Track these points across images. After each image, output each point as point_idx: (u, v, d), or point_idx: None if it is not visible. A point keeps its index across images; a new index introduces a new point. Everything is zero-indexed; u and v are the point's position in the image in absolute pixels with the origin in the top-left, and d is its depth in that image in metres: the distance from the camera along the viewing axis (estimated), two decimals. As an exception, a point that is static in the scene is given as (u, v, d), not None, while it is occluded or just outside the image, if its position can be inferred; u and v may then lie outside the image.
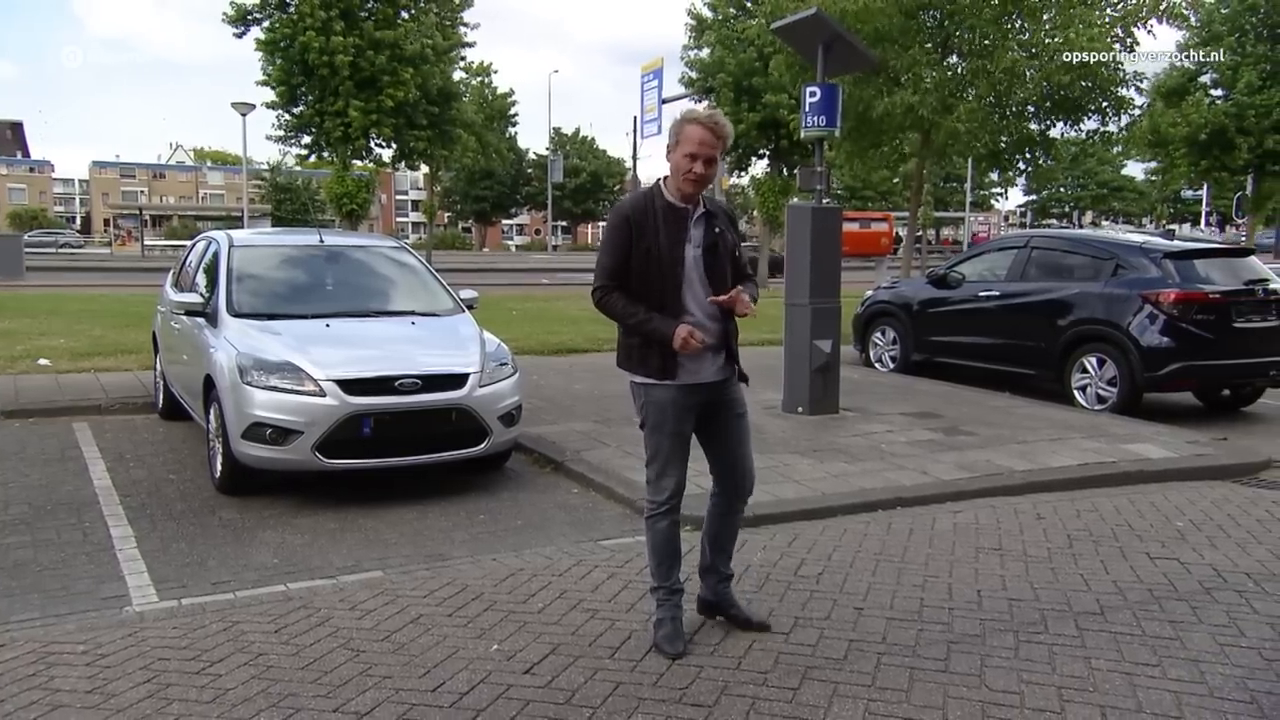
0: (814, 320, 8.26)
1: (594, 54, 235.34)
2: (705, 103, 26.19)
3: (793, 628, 3.88)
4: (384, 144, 26.97)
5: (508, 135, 48.04)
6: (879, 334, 11.71)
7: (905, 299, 11.40)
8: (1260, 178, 37.38)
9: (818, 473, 6.44)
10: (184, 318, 7.03)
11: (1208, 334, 8.58)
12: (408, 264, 7.77)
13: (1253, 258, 9.55)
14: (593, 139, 76.18)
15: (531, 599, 4.19)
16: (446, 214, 76.81)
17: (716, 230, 3.52)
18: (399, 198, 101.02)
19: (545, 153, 68.02)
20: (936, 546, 4.99)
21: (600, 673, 3.46)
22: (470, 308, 7.38)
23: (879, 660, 3.56)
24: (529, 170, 73.18)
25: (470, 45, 28.44)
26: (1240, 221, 41.21)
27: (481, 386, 6.19)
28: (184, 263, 8.44)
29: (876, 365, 11.62)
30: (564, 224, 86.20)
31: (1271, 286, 8.95)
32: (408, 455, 5.97)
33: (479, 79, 39.05)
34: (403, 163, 29.17)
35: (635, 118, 31.60)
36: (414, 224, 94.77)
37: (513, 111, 45.53)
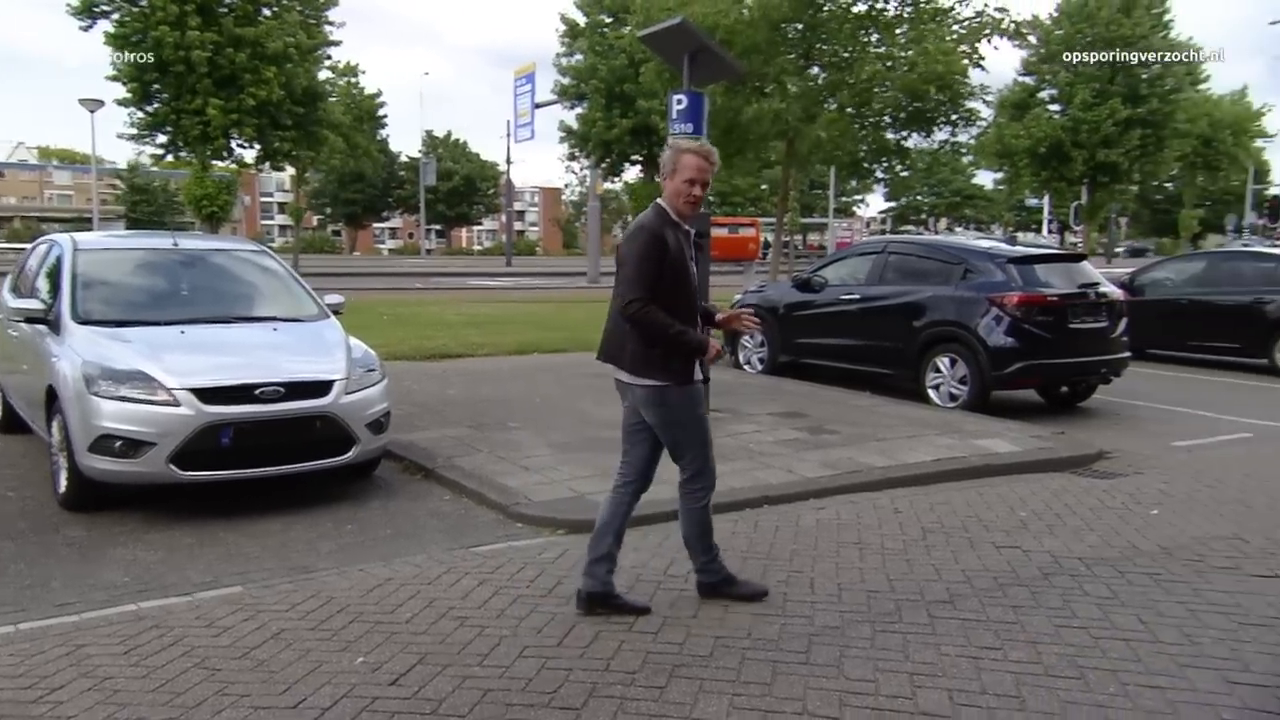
0: (688, 323, 8.34)
1: (468, 56, 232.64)
2: (578, 109, 26.29)
3: (661, 627, 3.92)
4: (246, 144, 25.92)
5: (378, 137, 46.90)
6: (747, 337, 11.95)
7: (772, 302, 11.67)
8: (1094, 188, 39.96)
9: (688, 473, 6.51)
10: (23, 325, 6.58)
11: (1047, 334, 9.09)
12: (269, 268, 7.48)
13: (1085, 262, 10.18)
14: (465, 142, 75.24)
15: (399, 609, 4.10)
16: (315, 217, 74.39)
17: (700, 248, 4.13)
18: (264, 200, 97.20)
19: (418, 155, 66.73)
20: (801, 543, 5.13)
21: (468, 680, 3.42)
22: (336, 313, 7.16)
23: (744, 656, 3.64)
24: (401, 173, 71.63)
25: (336, 44, 27.68)
26: (1078, 229, 43.97)
27: (348, 393, 6.01)
28: (23, 266, 7.90)
29: (745, 367, 11.86)
30: (438, 228, 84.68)
31: (1102, 290, 9.56)
32: (271, 465, 5.74)
33: (346, 79, 38.01)
34: (267, 164, 28.11)
35: (509, 121, 31.43)
36: (281, 227, 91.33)
37: (382, 113, 44.53)
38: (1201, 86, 43.49)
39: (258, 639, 3.75)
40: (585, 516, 5.54)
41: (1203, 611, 4.10)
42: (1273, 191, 51.91)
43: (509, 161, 53.86)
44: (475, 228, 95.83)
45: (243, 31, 23.59)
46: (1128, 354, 9.88)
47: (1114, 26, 37.10)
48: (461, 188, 72.55)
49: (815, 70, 15.08)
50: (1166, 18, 38.43)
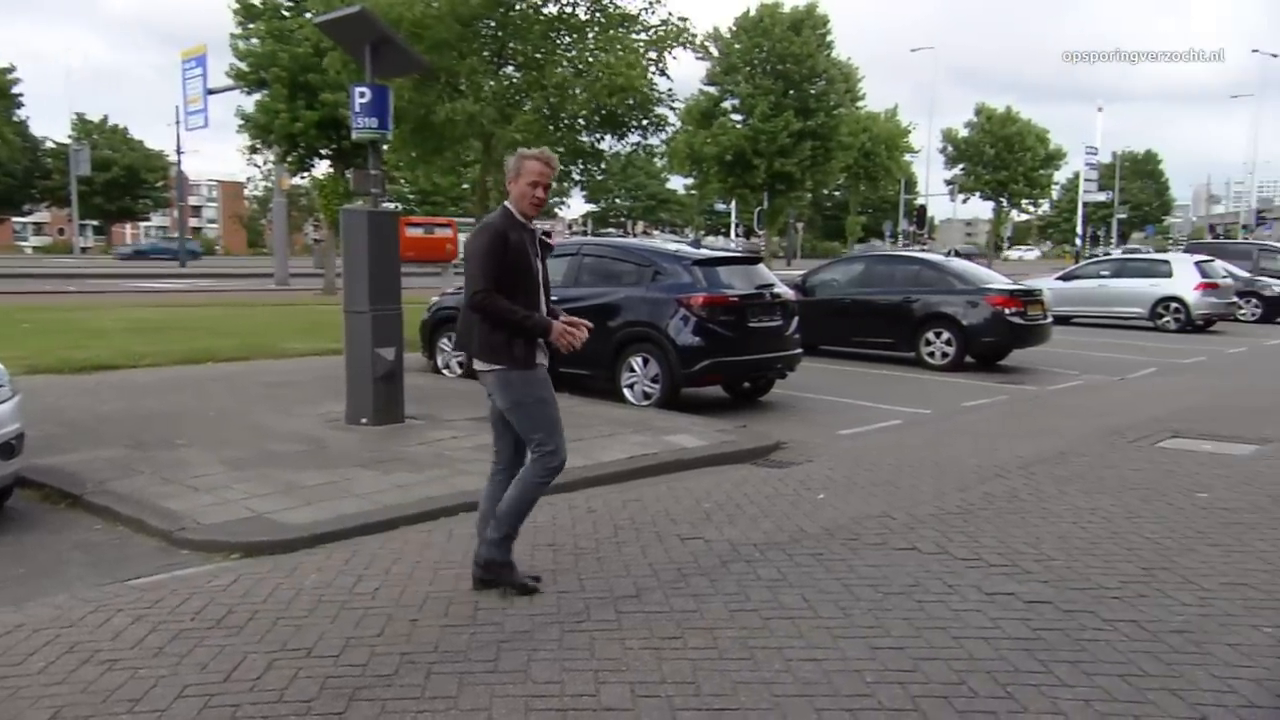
0: (375, 328, 8.11)
1: (129, 31, 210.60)
2: (257, 97, 24.62)
3: (343, 649, 3.77)
4: None
5: (12, 118, 41.30)
6: (446, 339, 11.81)
7: (469, 305, 11.60)
8: (773, 195, 43.50)
9: (381, 484, 6.33)
10: None
11: (730, 333, 9.76)
12: None
13: (761, 265, 11.05)
14: (126, 128, 68.16)
15: (30, 658, 3.63)
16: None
17: (548, 249, 4.61)
18: None
19: (67, 141, 59.52)
20: (495, 548, 5.13)
21: (116, 734, 3.09)
22: (-48, 321, 6.21)
23: (430, 670, 3.58)
24: (47, 161, 63.58)
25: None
26: (760, 233, 47.71)
27: (-34, 415, 5.24)
28: None
29: (445, 371, 11.71)
30: (95, 223, 76.07)
31: (776, 290, 10.41)
32: None
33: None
34: None
35: (178, 107, 28.89)
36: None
37: (16, 90, 39.25)
38: (860, 104, 48.63)
39: None
40: (263, 538, 5.22)
41: (855, 585, 4.57)
42: (920, 201, 59.18)
43: (180, 151, 49.60)
44: (142, 224, 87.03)
45: None
46: (800, 350, 10.83)
47: (785, 44, 40.63)
48: (123, 179, 65.61)
49: (510, 69, 15.19)
50: (829, 38, 42.62)
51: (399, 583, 4.56)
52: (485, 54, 14.76)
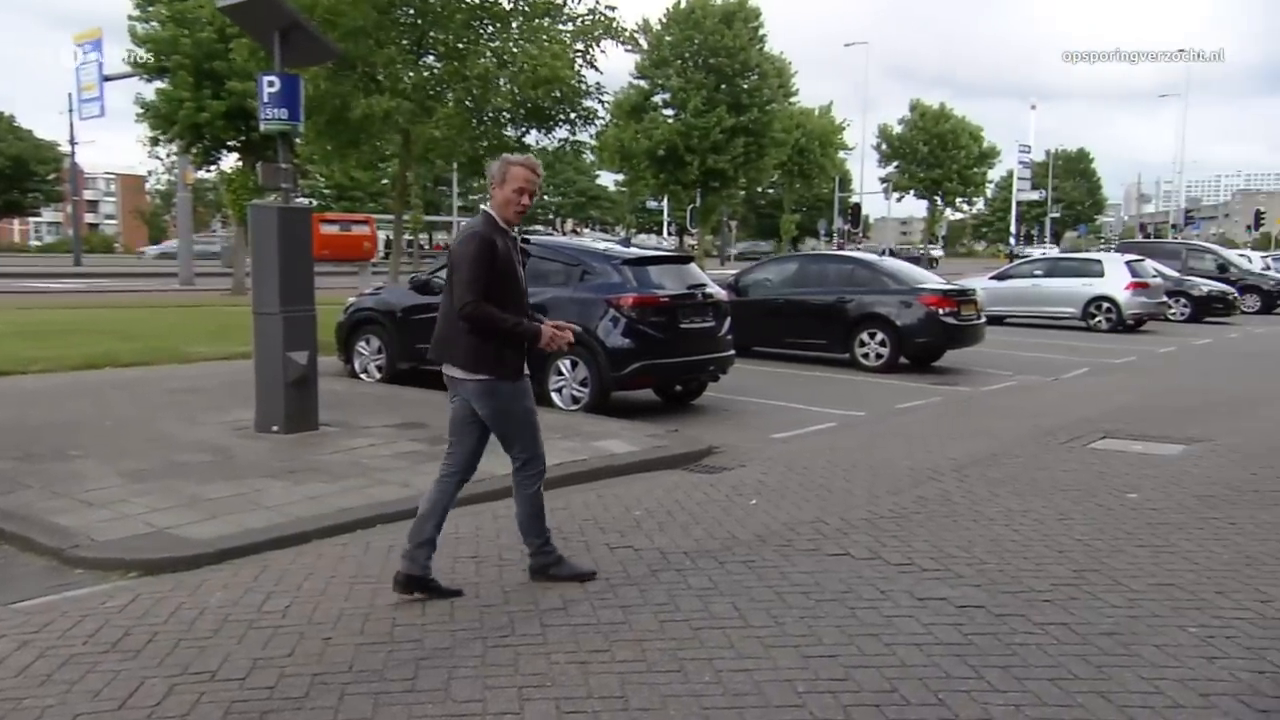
0: (287, 330, 7.96)
1: (14, 14, 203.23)
2: (159, 84, 23.95)
3: (251, 671, 3.69)
4: None
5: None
6: (364, 342, 11.65)
7: (390, 306, 11.46)
8: (705, 193, 43.78)
9: (292, 496, 6.21)
10: None
11: (661, 335, 9.80)
12: None
13: (693, 264, 11.12)
14: (12, 116, 65.64)
15: (-97, 694, 3.47)
16: None
17: (527, 254, 4.81)
18: None
19: (-53, 129, 57.21)
20: (414, 561, 5.07)
21: (-1, 769, 2.97)
22: None
23: (343, 692, 3.52)
24: (-77, 150, 60.96)
25: None
26: (694, 231, 48.01)
27: None
28: None
29: (362, 376, 11.54)
30: (-21, 218, 73.19)
31: (708, 290, 10.49)
32: None
33: None
34: None
35: (71, 95, 27.96)
36: None
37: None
38: (793, 100, 49.23)
39: None
40: (164, 554, 5.09)
41: (787, 593, 4.63)
42: (854, 200, 60.20)
43: (74, 142, 48.07)
44: (32, 219, 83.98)
45: None
46: (733, 352, 10.92)
47: (716, 36, 40.96)
48: (9, 170, 63.09)
49: (430, 60, 15.05)
50: (761, 32, 43.08)
51: (311, 599, 4.48)
52: (404, 43, 14.60)
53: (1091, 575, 4.92)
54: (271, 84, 7.91)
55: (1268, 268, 30.95)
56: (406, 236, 40.48)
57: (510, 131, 15.85)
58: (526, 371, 4.63)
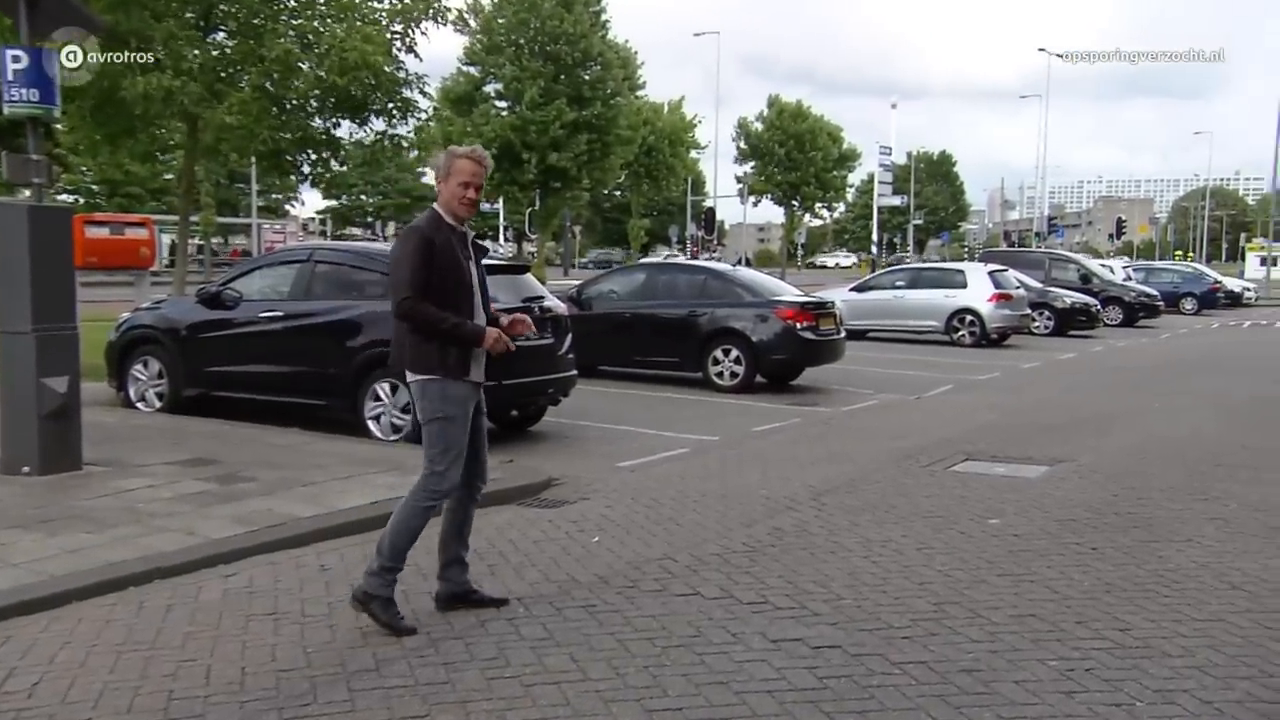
0: (41, 352, 7.52)
1: None
2: None
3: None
4: None
5: None
6: (140, 366, 11.09)
7: (172, 322, 10.97)
8: (545, 195, 43.86)
9: (47, 550, 5.85)
10: None
11: (492, 354, 9.70)
12: None
13: (528, 275, 11.10)
14: None
15: None
16: None
17: (484, 251, 5.10)
18: None
19: None
20: (200, 622, 4.88)
21: None
22: None
23: (106, 783, 3.32)
24: None
25: None
26: (533, 237, 48.04)
27: None
28: None
29: (139, 405, 10.98)
30: None
31: (547, 304, 10.48)
32: None
33: None
34: None
35: None
36: None
37: None
38: (641, 93, 50.10)
39: None
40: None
41: (631, 640, 4.66)
42: (708, 203, 61.54)
43: None
44: None
45: None
46: (575, 372, 10.94)
47: (554, 21, 41.21)
48: None
49: (221, 37, 14.55)
50: (604, 17, 43.64)
51: (66, 673, 4.22)
52: (188, 16, 14.06)
53: (951, 608, 5.15)
54: (17, 59, 7.47)
55: (1129, 278, 33.38)
56: (196, 241, 38.92)
57: (318, 122, 15.47)
58: (475, 377, 4.85)
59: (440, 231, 4.72)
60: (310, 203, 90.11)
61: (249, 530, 6.39)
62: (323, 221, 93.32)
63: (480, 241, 5.06)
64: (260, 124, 14.32)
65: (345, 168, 17.49)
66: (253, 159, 17.81)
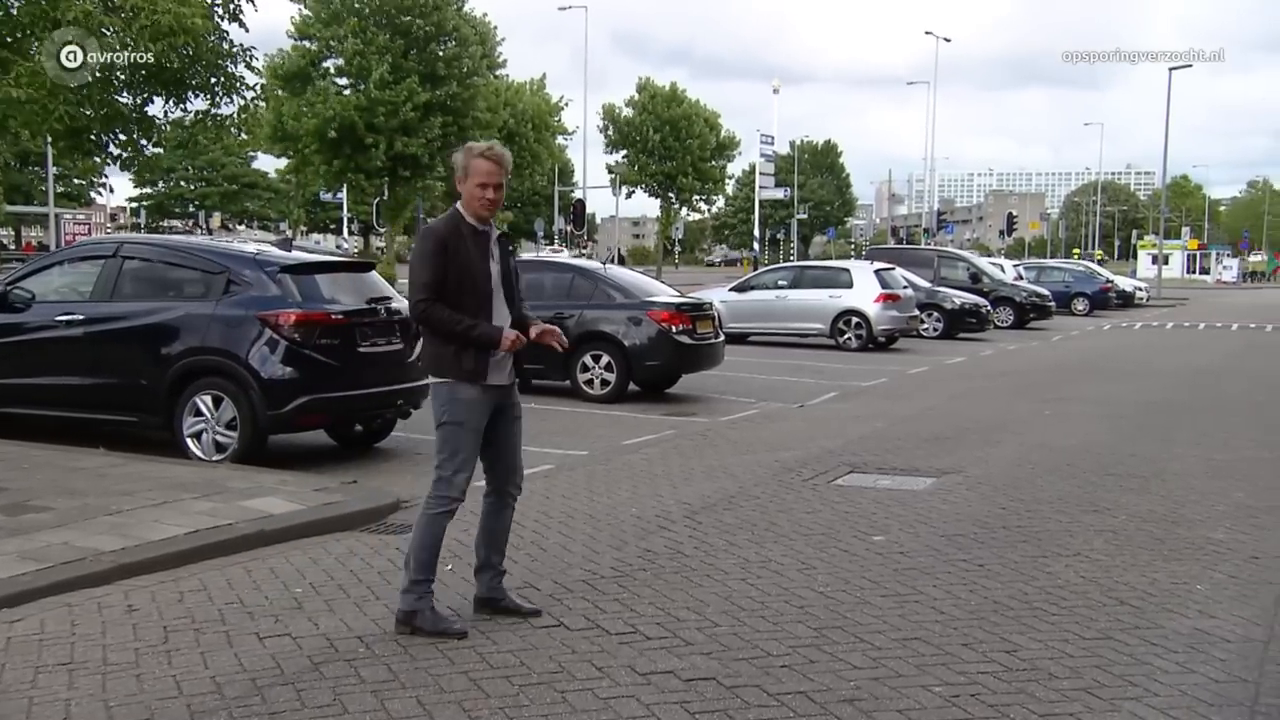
0: None
1: None
2: None
3: None
4: None
5: None
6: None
7: (-50, 329, 10.45)
8: (395, 183, 43.23)
9: None
10: None
11: (333, 361, 9.52)
12: None
13: (374, 273, 10.93)
14: None
15: None
16: None
17: (510, 250, 5.39)
18: None
19: None
20: (-20, 674, 4.66)
21: None
22: None
23: None
24: None
25: None
26: (382, 231, 47.30)
27: None
28: None
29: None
30: None
31: (394, 306, 10.32)
32: None
33: None
34: None
35: None
36: None
37: None
38: (501, 72, 49.85)
39: None
40: None
41: (486, 679, 4.63)
42: (577, 195, 61.65)
43: None
44: None
45: None
46: (426, 381, 10.78)
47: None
48: None
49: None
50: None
51: None
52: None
53: (833, 633, 5.27)
54: None
55: (1020, 277, 34.74)
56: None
57: (126, 97, 14.93)
58: (497, 380, 5.20)
59: (458, 232, 5.08)
60: (120, 190, 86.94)
61: (40, 568, 6.12)
62: (135, 212, 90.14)
63: (505, 239, 5.39)
64: (55, 99, 13.72)
65: (161, 150, 16.91)
66: (48, 138, 17.09)
